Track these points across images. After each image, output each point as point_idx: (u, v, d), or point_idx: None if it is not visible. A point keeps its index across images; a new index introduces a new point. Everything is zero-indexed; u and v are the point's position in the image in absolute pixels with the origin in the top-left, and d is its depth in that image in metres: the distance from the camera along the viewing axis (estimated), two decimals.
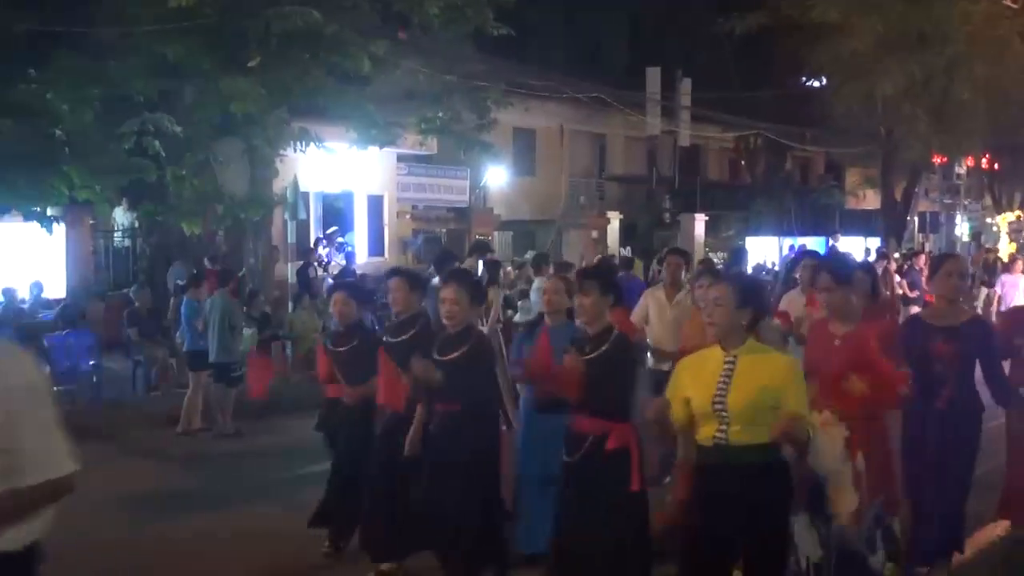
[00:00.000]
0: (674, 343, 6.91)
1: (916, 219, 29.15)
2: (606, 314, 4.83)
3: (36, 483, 2.69)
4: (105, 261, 17.74)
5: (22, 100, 13.40)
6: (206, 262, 14.67)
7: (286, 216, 16.64)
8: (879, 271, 11.82)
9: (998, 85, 23.20)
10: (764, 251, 25.95)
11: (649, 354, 7.51)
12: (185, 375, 11.44)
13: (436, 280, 7.87)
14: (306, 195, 17.72)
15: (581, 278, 5.08)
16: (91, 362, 12.39)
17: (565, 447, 4.77)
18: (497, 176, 22.85)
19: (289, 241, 15.83)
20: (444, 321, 5.46)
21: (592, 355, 4.69)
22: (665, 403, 4.09)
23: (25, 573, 2.79)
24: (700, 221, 25.80)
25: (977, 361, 5.47)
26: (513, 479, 5.87)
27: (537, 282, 9.51)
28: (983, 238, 30.39)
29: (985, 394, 5.57)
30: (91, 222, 16.61)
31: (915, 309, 13.81)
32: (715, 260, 19.34)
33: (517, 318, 10.70)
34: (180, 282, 13.51)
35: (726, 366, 3.98)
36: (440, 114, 17.35)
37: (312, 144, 15.12)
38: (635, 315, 7.64)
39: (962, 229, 31.47)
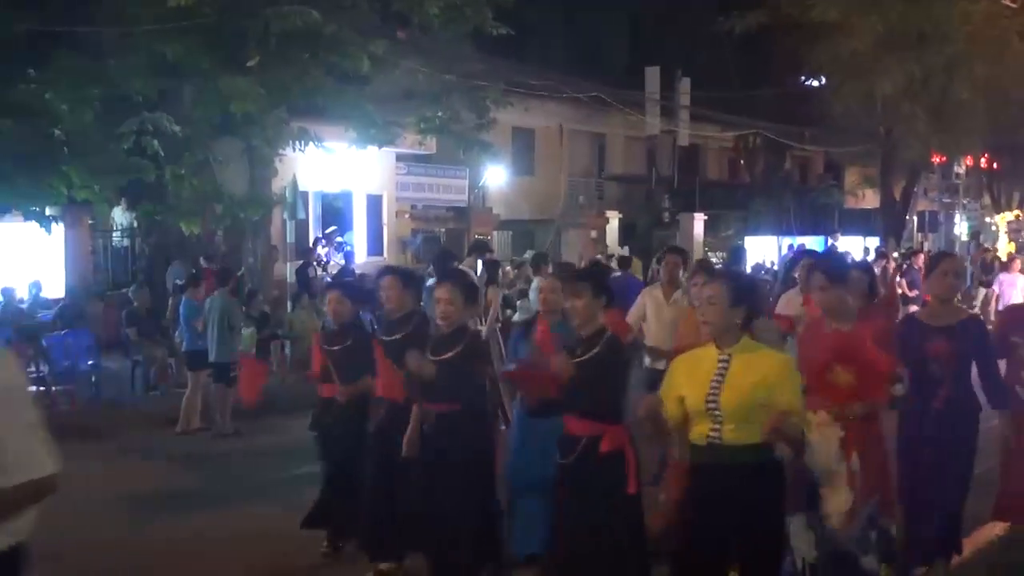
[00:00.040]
0: (671, 342, 6.88)
1: (915, 218, 29.18)
2: (599, 316, 4.79)
3: (19, 483, 2.68)
4: (104, 261, 17.72)
5: (22, 100, 13.42)
6: (202, 261, 14.66)
7: (285, 216, 16.68)
8: (878, 270, 11.84)
9: (997, 85, 23.23)
10: (763, 250, 25.92)
11: (645, 353, 7.52)
12: (184, 375, 11.48)
13: (431, 281, 7.87)
14: (305, 195, 17.74)
15: (572, 280, 4.99)
16: (90, 362, 12.43)
17: (559, 450, 4.76)
18: (496, 176, 22.82)
19: (288, 241, 15.86)
20: (438, 321, 5.46)
21: (584, 357, 4.67)
22: (657, 400, 4.09)
23: (11, 573, 2.77)
24: (699, 220, 25.82)
25: (973, 361, 5.46)
26: (506, 479, 5.87)
27: (536, 282, 9.49)
28: (982, 237, 30.39)
29: (983, 394, 5.56)
30: (90, 222, 16.59)
31: (915, 308, 13.81)
32: (714, 259, 19.41)
33: (516, 318, 10.69)
34: (179, 282, 13.49)
35: (720, 365, 3.97)
36: (439, 114, 17.36)
37: (311, 144, 15.12)
38: (632, 314, 7.61)
39: (961, 228, 31.49)
